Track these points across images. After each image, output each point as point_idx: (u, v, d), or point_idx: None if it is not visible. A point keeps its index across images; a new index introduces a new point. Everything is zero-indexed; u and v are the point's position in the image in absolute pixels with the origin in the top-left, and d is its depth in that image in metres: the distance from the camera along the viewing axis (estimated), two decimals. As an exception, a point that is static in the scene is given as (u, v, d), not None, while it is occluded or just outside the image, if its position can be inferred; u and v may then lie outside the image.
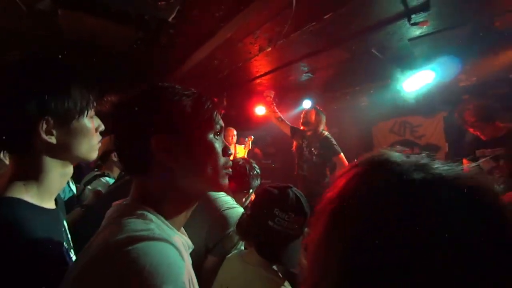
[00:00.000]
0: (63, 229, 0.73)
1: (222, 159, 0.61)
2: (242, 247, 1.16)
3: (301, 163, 3.37)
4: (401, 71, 2.86)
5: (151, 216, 0.53)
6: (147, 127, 0.56)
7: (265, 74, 3.17)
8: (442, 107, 4.03)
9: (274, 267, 0.91)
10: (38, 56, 0.67)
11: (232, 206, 1.26)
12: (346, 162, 3.10)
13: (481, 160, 2.39)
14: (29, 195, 0.65)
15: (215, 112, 0.61)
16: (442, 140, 4.33)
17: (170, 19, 1.85)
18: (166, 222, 0.55)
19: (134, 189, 0.60)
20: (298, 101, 4.13)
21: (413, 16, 2.01)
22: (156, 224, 0.52)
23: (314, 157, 3.21)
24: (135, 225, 0.49)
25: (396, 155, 0.39)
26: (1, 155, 1.06)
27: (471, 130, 2.47)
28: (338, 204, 0.38)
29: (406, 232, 0.30)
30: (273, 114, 3.66)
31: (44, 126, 0.63)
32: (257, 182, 1.52)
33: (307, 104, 4.09)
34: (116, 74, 2.67)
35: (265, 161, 3.69)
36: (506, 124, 2.36)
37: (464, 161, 2.56)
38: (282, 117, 3.64)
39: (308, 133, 3.27)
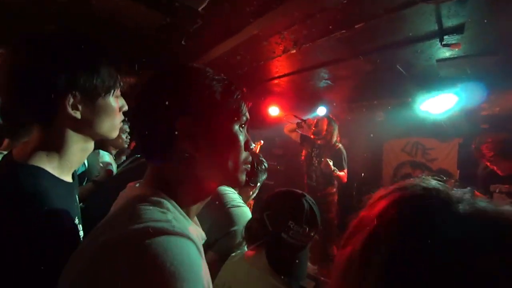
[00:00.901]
0: (76, 203, 0.74)
1: (243, 153, 0.59)
2: (245, 248, 1.15)
3: (310, 172, 3.36)
4: (423, 91, 2.80)
5: (167, 204, 0.50)
6: (173, 107, 0.53)
7: (284, 75, 3.14)
8: (459, 133, 3.94)
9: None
10: (73, 32, 0.68)
11: (238, 205, 1.25)
12: (345, 180, 3.10)
13: (495, 195, 2.32)
14: (50, 166, 0.66)
15: (243, 103, 0.59)
16: (453, 166, 4.24)
17: (199, 9, 1.85)
18: (182, 211, 0.53)
19: (150, 173, 0.58)
20: (312, 107, 4.09)
21: (445, 37, 1.96)
22: (173, 213, 0.50)
23: (325, 167, 3.19)
24: (152, 214, 0.46)
25: (439, 185, 0.40)
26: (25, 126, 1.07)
27: (487, 164, 2.39)
28: (380, 224, 0.37)
29: (447, 260, 0.30)
30: (289, 128, 3.63)
31: (71, 100, 0.64)
32: (264, 177, 1.51)
33: (321, 111, 4.05)
34: (138, 56, 2.69)
35: (271, 163, 3.68)
36: None
37: (476, 193, 2.48)
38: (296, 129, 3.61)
39: (319, 142, 3.24)
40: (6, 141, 1.30)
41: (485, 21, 1.78)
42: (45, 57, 0.62)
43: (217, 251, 1.10)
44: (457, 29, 1.88)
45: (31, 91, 0.62)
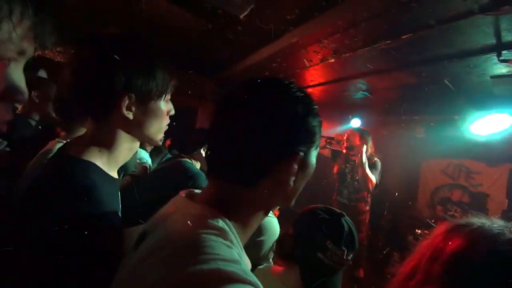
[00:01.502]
0: (118, 198, 0.77)
1: None
2: (271, 261, 1.11)
3: (342, 188, 3.22)
4: (472, 109, 2.57)
5: (230, 233, 0.44)
6: (290, 141, 0.49)
7: (320, 84, 3.09)
8: (510, 158, 3.55)
9: None
10: (133, 35, 0.72)
11: (268, 216, 1.22)
12: (371, 187, 2.91)
13: None
14: (101, 161, 0.69)
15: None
16: (502, 194, 3.82)
17: (241, 16, 1.88)
18: (239, 239, 0.48)
19: (214, 189, 0.52)
20: (346, 118, 3.96)
21: (504, 52, 1.78)
22: (236, 247, 0.44)
23: (356, 182, 3.04)
24: (218, 248, 0.39)
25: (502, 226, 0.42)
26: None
27: None
28: (452, 267, 0.39)
29: None
30: (320, 145, 3.53)
31: (126, 101, 0.67)
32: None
33: (355, 123, 3.90)
34: (180, 60, 2.81)
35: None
36: None
37: None
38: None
39: (353, 158, 3.09)
40: (63, 132, 1.41)
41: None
42: (107, 58, 0.65)
43: None
44: (519, 44, 1.71)
45: (92, 89, 0.65)
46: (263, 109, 0.47)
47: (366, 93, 3.01)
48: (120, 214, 0.73)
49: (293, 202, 0.55)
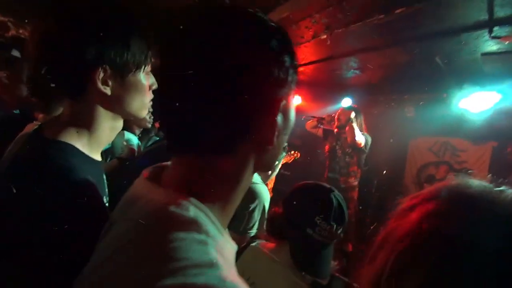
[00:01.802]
0: (104, 182, 0.74)
1: None
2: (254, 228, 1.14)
3: (333, 164, 3.33)
4: (462, 87, 2.60)
5: (205, 222, 0.37)
6: (273, 89, 0.39)
7: (311, 63, 3.03)
8: (495, 136, 3.66)
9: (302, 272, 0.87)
10: (105, 2, 0.66)
11: (257, 182, 1.25)
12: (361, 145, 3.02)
13: None
14: (80, 143, 0.65)
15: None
16: (484, 171, 3.98)
17: (230, -13, 1.79)
18: (219, 225, 0.40)
19: (182, 169, 0.42)
20: (337, 98, 3.95)
21: (495, 28, 1.78)
22: (213, 239, 0.36)
23: (347, 156, 3.16)
24: (189, 250, 0.32)
25: (483, 186, 0.37)
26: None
27: None
28: (410, 247, 0.35)
29: None
30: (311, 125, 3.56)
31: (101, 74, 0.62)
32: (283, 155, 1.47)
33: (346, 102, 3.90)
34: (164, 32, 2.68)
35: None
36: None
37: None
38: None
39: (343, 135, 3.15)
40: (41, 114, 1.34)
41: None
42: (75, 28, 0.60)
43: (236, 229, 1.11)
44: (510, 20, 1.70)
45: (61, 62, 0.61)
46: (236, 50, 0.36)
47: (357, 71, 2.98)
48: (106, 197, 0.70)
49: (274, 166, 0.50)
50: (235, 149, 0.39)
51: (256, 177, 1.29)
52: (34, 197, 0.54)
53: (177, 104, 0.38)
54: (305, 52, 2.73)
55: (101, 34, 0.61)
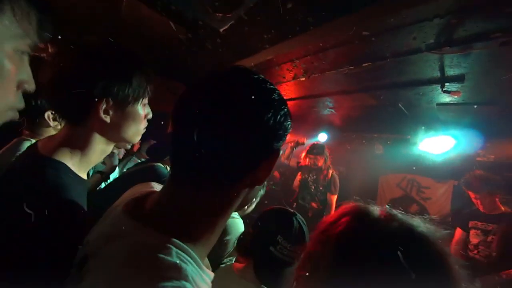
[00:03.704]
0: (85, 198, 0.78)
1: None
2: (233, 258, 1.19)
3: (305, 194, 3.52)
4: (422, 130, 2.90)
5: (187, 263, 0.40)
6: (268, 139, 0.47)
7: (291, 99, 3.26)
8: (454, 175, 4.01)
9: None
10: (111, 42, 0.75)
11: (233, 217, 1.31)
12: (334, 205, 3.27)
13: (471, 231, 2.49)
14: (71, 162, 0.71)
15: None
16: (447, 207, 4.27)
17: (221, 30, 1.98)
18: (200, 261, 0.43)
19: (169, 202, 0.47)
20: (315, 132, 4.19)
21: (447, 84, 2.07)
22: (191, 282, 0.39)
23: (319, 193, 3.40)
24: None
25: (374, 209, 0.55)
26: (46, 116, 1.14)
27: (472, 196, 2.53)
28: (334, 242, 0.52)
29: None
30: (286, 155, 3.84)
31: (104, 105, 0.70)
32: (260, 192, 1.54)
33: (322, 137, 4.16)
34: (159, 66, 2.81)
35: (268, 182, 3.80)
36: (506, 208, 2.40)
37: (458, 229, 2.62)
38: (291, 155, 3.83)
39: (316, 172, 3.44)
40: (28, 131, 1.37)
41: (485, 74, 1.90)
42: (87, 63, 0.69)
43: (209, 258, 1.14)
44: (458, 78, 2.00)
45: (72, 93, 0.68)
46: (250, 106, 0.44)
47: (332, 110, 3.25)
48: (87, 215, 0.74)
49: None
50: (240, 180, 0.46)
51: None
52: (27, 210, 0.57)
53: (210, 142, 0.43)
54: (286, 90, 2.96)
55: (108, 71, 0.70)
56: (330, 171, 3.42)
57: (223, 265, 1.09)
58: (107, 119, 0.71)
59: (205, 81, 0.48)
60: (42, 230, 0.57)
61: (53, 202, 0.61)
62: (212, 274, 0.49)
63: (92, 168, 1.83)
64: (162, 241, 0.40)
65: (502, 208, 2.41)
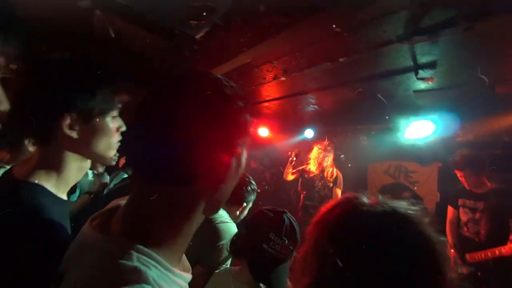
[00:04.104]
0: (67, 220, 0.76)
1: None
2: (229, 262, 1.20)
3: (313, 193, 3.55)
4: (403, 118, 3.00)
5: (147, 270, 0.39)
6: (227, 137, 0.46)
7: (274, 99, 3.30)
8: (438, 157, 4.16)
9: (262, 286, 0.95)
10: (73, 54, 0.73)
11: (226, 221, 1.31)
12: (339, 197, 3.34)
13: (460, 209, 2.58)
14: (49, 184, 0.69)
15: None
16: (434, 188, 4.42)
17: (197, 37, 1.98)
18: (169, 267, 0.43)
19: (132, 207, 0.47)
20: (301, 129, 4.25)
21: (420, 71, 2.16)
22: (152, 284, 0.39)
23: (326, 189, 3.47)
24: None
25: (364, 200, 0.63)
26: (26, 141, 1.11)
27: (458, 174, 2.60)
28: (328, 229, 0.58)
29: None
30: (288, 173, 3.78)
31: (67, 121, 0.68)
32: (252, 197, 1.56)
33: (309, 133, 4.21)
34: (136, 77, 2.77)
35: (261, 183, 3.80)
36: (491, 184, 2.47)
37: (449, 208, 2.71)
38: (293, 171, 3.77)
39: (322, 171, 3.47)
40: (7, 155, 1.33)
41: (455, 58, 1.99)
42: (43, 79, 0.66)
43: (205, 265, 1.15)
44: (430, 65, 2.08)
45: (30, 110, 0.66)
46: (203, 102, 0.44)
47: (315, 106, 3.31)
48: (69, 236, 0.72)
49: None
50: (191, 181, 0.43)
51: (225, 215, 1.36)
52: (6, 235, 0.57)
53: (147, 140, 0.43)
54: (268, 91, 2.99)
55: (66, 84, 0.67)
56: (337, 172, 3.49)
57: (217, 270, 1.10)
58: (74, 134, 0.69)
59: (159, 84, 0.48)
60: (21, 254, 0.56)
61: (30, 225, 0.60)
62: (188, 276, 0.49)
63: (78, 187, 1.80)
64: (124, 247, 0.41)
65: (489, 185, 2.46)
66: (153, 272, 0.40)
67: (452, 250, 2.54)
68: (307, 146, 3.90)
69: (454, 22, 1.54)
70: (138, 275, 0.38)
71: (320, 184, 3.52)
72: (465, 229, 2.54)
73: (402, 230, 0.53)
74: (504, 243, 2.19)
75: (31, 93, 0.65)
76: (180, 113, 0.42)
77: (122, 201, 0.52)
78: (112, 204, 0.54)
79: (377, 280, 0.49)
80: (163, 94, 0.45)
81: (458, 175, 2.61)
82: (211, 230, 1.24)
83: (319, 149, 3.48)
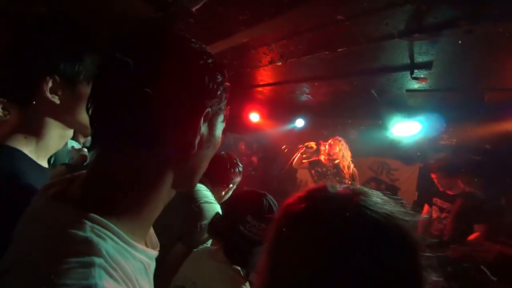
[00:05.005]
0: None
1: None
2: (209, 243, 1.20)
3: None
4: (392, 115, 3.03)
5: (100, 241, 0.36)
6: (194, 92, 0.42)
7: (268, 84, 3.24)
8: (420, 158, 4.28)
9: (238, 267, 0.95)
10: (59, 14, 0.67)
11: (210, 201, 1.30)
12: None
13: (433, 207, 2.74)
14: (27, 149, 0.65)
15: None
16: (413, 187, 4.59)
17: (193, 9, 1.88)
18: (127, 239, 0.39)
19: (94, 173, 0.42)
20: (291, 118, 4.23)
21: (415, 71, 2.16)
22: (105, 258, 0.35)
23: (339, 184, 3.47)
24: (69, 275, 0.32)
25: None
26: None
27: (433, 176, 2.75)
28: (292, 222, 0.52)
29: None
30: (298, 161, 3.69)
31: (50, 84, 0.63)
32: (237, 179, 1.54)
33: (299, 123, 4.21)
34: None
35: (248, 168, 3.80)
36: (465, 186, 2.60)
37: (426, 205, 2.88)
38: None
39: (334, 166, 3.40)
40: None
41: (450, 61, 2.00)
42: (27, 38, 0.62)
43: (186, 244, 1.14)
44: (426, 65, 2.09)
45: (11, 72, 0.62)
46: (167, 58, 0.40)
47: (309, 96, 3.28)
48: None
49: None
50: (154, 143, 0.40)
51: (210, 196, 1.34)
52: None
53: (106, 101, 0.40)
54: (263, 75, 2.93)
55: (53, 46, 0.63)
56: (354, 169, 3.41)
57: (195, 249, 1.09)
58: (56, 99, 0.65)
59: (119, 42, 0.43)
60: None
61: (8, 191, 0.57)
62: (154, 253, 0.46)
63: (53, 156, 1.72)
64: (77, 216, 0.37)
65: (461, 188, 2.57)
66: (108, 244, 0.36)
67: None
68: (297, 135, 3.91)
69: (456, 23, 1.53)
70: (89, 247, 0.34)
71: (335, 179, 3.44)
72: (432, 227, 2.72)
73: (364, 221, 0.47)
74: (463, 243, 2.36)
75: (12, 51, 0.61)
76: (142, 70, 0.39)
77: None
78: (76, 173, 0.48)
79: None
80: (124, 50, 0.40)
81: (432, 177, 2.76)
82: (195, 209, 1.22)
83: (340, 143, 3.37)
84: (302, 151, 3.60)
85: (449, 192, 2.61)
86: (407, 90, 2.53)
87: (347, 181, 3.36)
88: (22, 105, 0.66)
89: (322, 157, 3.47)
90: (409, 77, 2.23)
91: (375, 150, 4.55)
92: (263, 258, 0.53)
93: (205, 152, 0.47)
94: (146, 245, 0.48)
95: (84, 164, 1.55)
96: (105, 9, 2.10)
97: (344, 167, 3.34)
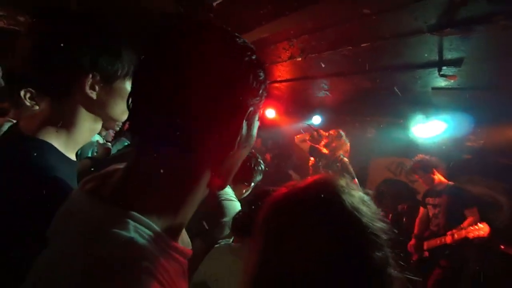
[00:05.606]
0: (75, 181, 0.75)
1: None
2: (231, 239, 1.19)
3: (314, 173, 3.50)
4: (415, 114, 2.92)
5: (144, 242, 0.35)
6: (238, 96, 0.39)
7: (286, 80, 3.20)
8: (443, 160, 4.11)
9: None
10: (103, 15, 0.70)
11: (231, 199, 1.30)
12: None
13: (428, 206, 2.94)
14: (57, 142, 0.66)
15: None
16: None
17: (214, 4, 1.87)
18: (169, 239, 0.39)
19: (132, 171, 0.41)
20: (308, 114, 4.17)
21: (444, 68, 2.06)
22: (149, 260, 0.34)
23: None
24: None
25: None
26: (22, 94, 1.06)
27: (416, 176, 3.02)
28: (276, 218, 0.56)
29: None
30: (301, 138, 3.63)
31: (90, 80, 0.65)
32: (259, 177, 1.53)
33: (316, 119, 4.14)
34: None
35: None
36: (444, 180, 2.85)
37: (420, 208, 3.06)
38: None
39: (327, 154, 3.32)
40: (13, 110, 1.28)
41: (482, 59, 1.89)
42: (73, 35, 0.63)
43: (206, 240, 1.15)
44: (456, 62, 1.98)
45: (56, 64, 0.63)
46: (215, 58, 0.38)
47: (327, 92, 3.21)
48: None
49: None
50: (197, 144, 0.38)
51: (231, 193, 1.34)
52: (13, 193, 0.55)
53: (149, 100, 0.39)
54: (281, 71, 2.89)
55: (96, 43, 0.65)
56: (344, 158, 3.32)
57: (217, 245, 1.09)
58: (93, 95, 0.66)
59: (160, 37, 0.41)
60: (28, 213, 0.54)
61: (39, 185, 0.58)
62: (189, 252, 0.44)
63: (79, 152, 1.77)
64: (119, 215, 0.36)
65: (445, 183, 2.80)
66: (152, 246, 0.35)
67: (413, 239, 2.96)
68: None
69: (492, 18, 1.43)
70: (134, 248, 0.33)
71: (322, 171, 3.42)
72: (431, 224, 2.87)
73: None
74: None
75: (60, 46, 0.61)
76: (186, 68, 0.37)
77: (121, 166, 0.46)
78: (109, 168, 0.48)
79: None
80: (165, 49, 0.39)
81: (416, 177, 2.96)
82: (216, 206, 1.22)
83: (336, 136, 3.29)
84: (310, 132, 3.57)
85: (434, 188, 2.84)
86: (433, 88, 2.42)
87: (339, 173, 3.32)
88: (55, 98, 0.67)
89: (323, 150, 3.39)
90: (436, 74, 2.13)
91: (394, 150, 4.38)
92: (251, 253, 0.55)
93: (242, 152, 0.45)
94: None
95: (107, 157, 1.59)
96: (126, 6, 2.13)
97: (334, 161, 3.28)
